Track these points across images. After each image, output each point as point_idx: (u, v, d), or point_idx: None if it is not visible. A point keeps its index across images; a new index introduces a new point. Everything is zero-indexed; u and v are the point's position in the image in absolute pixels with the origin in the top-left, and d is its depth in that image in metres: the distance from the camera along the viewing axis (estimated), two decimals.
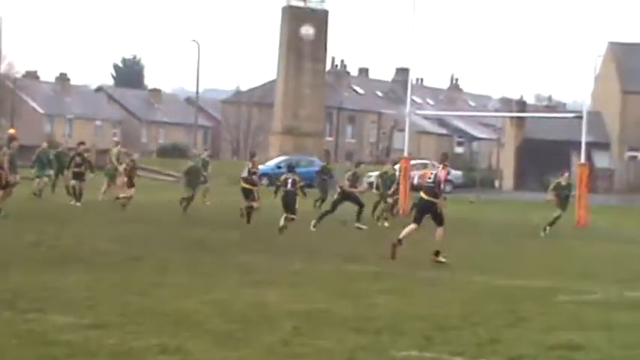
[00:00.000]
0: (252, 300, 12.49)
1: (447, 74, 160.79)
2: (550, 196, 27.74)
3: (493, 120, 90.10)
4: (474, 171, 67.00)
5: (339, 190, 26.40)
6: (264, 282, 14.31)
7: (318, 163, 48.94)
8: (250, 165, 26.11)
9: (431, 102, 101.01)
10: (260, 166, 30.12)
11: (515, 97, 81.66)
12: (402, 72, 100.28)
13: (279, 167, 54.51)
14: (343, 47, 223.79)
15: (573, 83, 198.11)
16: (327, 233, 23.53)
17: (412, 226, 18.49)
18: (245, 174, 25.91)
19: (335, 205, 25.84)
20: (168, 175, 56.40)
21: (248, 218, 25.40)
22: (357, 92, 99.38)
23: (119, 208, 28.55)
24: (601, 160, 61.99)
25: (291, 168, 24.92)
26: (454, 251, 19.55)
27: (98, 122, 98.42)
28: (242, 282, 14.28)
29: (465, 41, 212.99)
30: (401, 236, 18.28)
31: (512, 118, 68.98)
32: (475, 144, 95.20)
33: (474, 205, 45.55)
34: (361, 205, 25.99)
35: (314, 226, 24.40)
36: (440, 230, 18.37)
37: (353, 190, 26.10)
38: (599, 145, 61.57)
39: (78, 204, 30.05)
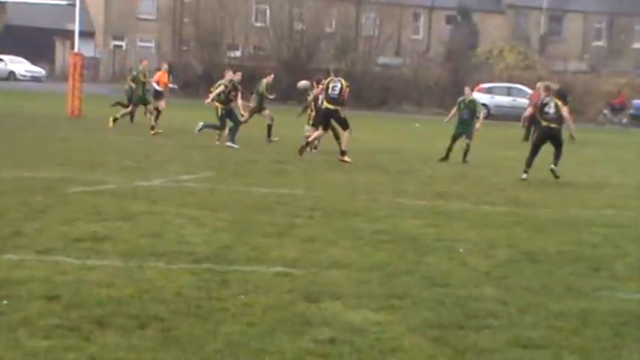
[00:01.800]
0: None
1: None
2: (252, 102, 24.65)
3: None
4: None
5: None
6: None
7: None
8: None
9: None
10: None
11: None
12: None
13: None
14: None
15: None
16: None
17: (320, 131, 21.24)
18: None
19: None
20: None
21: None
22: None
23: None
24: (87, 49, 61.76)
25: None
26: None
27: None
28: None
29: None
30: (310, 139, 21.22)
31: None
32: None
33: None
34: None
35: None
36: (346, 133, 20.87)
37: None
38: (84, 33, 61.26)
39: None
